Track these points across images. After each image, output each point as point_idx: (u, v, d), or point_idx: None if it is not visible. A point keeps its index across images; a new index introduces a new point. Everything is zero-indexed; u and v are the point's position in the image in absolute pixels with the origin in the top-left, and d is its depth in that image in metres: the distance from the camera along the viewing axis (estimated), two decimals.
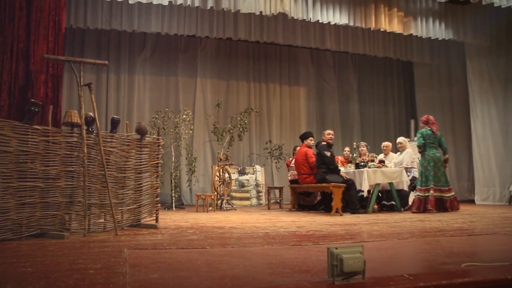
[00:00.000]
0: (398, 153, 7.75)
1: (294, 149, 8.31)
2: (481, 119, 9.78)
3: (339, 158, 8.12)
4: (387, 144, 7.97)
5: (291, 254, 2.69)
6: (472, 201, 9.82)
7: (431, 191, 6.55)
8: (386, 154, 7.81)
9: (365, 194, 6.82)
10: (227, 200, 8.21)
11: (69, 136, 3.85)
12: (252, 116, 10.28)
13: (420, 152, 6.94)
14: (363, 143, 8.09)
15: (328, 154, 6.81)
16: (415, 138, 7.48)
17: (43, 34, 5.27)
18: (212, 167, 9.24)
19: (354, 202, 6.53)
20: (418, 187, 6.70)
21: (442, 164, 6.76)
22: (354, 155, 7.83)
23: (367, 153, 7.73)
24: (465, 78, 10.15)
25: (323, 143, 7.04)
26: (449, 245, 3.03)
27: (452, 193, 6.74)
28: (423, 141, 6.82)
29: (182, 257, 2.61)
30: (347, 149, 8.62)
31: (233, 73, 10.77)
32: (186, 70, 10.35)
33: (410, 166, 7.43)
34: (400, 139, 7.70)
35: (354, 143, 8.25)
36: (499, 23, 9.55)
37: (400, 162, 7.46)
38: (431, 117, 7.05)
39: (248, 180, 9.67)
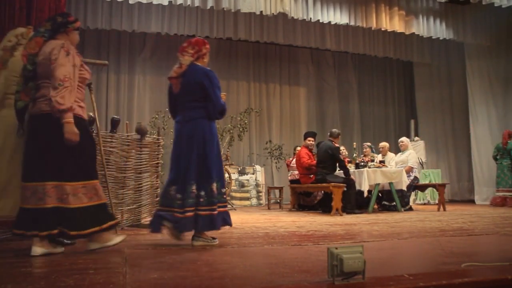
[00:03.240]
0: (400, 153, 7.77)
1: (294, 149, 8.31)
2: (480, 119, 9.76)
3: None
4: (383, 145, 8.01)
5: (291, 254, 2.69)
6: (472, 201, 9.80)
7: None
8: (384, 155, 7.83)
9: (365, 194, 6.82)
10: (227, 200, 8.19)
11: None
12: (252, 116, 10.26)
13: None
14: (366, 144, 8.14)
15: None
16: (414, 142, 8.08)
17: None
18: None
19: (351, 202, 6.52)
20: (502, 188, 8.36)
21: (508, 170, 8.36)
22: (354, 155, 7.83)
23: (371, 154, 7.78)
24: (465, 78, 10.14)
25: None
26: (449, 245, 3.03)
27: None
28: (495, 153, 8.58)
29: (182, 257, 2.61)
30: (342, 148, 8.62)
31: (233, 73, 10.76)
32: None
33: (414, 166, 7.51)
34: (403, 138, 7.96)
35: (354, 143, 8.25)
36: (499, 23, 9.54)
37: (403, 161, 7.50)
38: (503, 132, 8.52)
39: (248, 180, 9.67)
